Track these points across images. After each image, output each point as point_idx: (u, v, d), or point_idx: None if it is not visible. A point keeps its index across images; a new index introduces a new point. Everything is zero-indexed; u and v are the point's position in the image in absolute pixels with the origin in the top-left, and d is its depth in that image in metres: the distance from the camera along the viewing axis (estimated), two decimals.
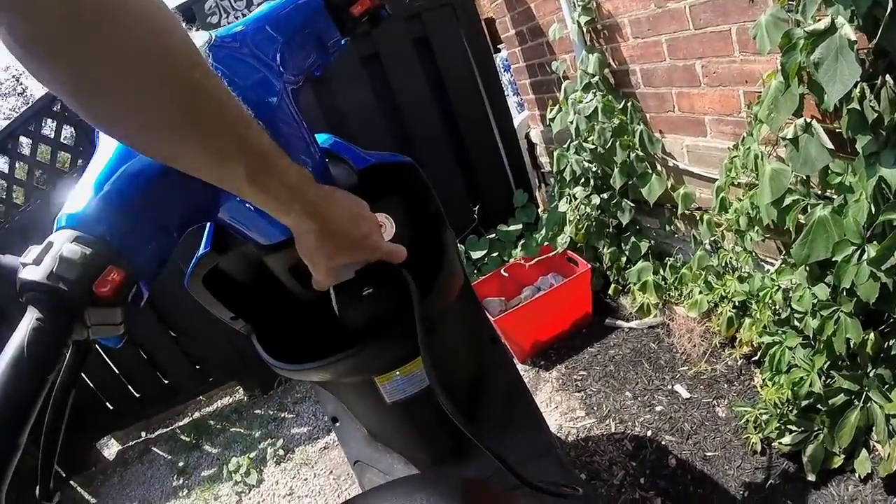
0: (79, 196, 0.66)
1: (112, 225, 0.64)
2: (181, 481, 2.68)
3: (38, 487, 0.62)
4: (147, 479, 2.83)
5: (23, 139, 2.78)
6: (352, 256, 0.73)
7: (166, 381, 3.12)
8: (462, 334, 1.26)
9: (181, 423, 3.18)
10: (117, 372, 3.04)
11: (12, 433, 0.50)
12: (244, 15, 2.62)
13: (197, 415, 3.20)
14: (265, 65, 0.77)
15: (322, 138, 0.99)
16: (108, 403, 3.09)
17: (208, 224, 0.89)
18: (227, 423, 2.95)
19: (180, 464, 2.78)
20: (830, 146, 1.25)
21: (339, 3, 0.88)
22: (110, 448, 3.29)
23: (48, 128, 2.76)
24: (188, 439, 2.95)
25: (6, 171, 2.85)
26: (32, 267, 0.56)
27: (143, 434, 3.23)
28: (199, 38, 0.72)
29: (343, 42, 0.92)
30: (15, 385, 0.51)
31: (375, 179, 0.95)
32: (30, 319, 0.54)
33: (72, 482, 3.00)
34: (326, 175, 0.87)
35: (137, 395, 3.11)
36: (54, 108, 2.67)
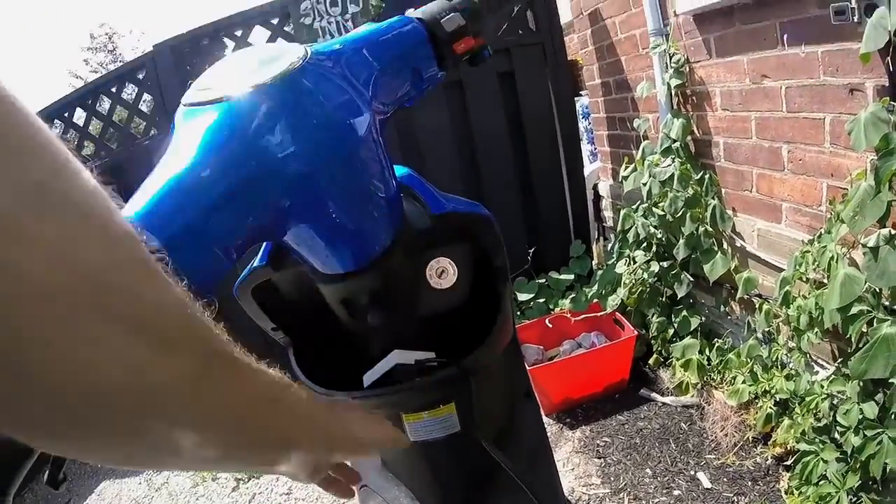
0: (139, 199, 0.60)
1: (169, 238, 0.58)
2: None
3: (46, 473, 0.61)
4: None
5: (104, 97, 2.94)
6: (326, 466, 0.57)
7: None
8: (500, 386, 1.23)
9: None
10: None
11: None
12: (338, 20, 2.69)
13: None
14: (355, 89, 0.72)
15: (400, 171, 0.95)
16: None
17: None
18: None
19: None
20: None
21: (444, 37, 0.85)
22: None
23: (128, 92, 2.90)
24: None
25: (81, 125, 2.99)
26: None
27: None
28: (296, 52, 0.68)
29: (440, 76, 0.89)
30: None
31: (448, 223, 0.91)
32: None
33: None
34: (398, 211, 0.84)
35: None
36: (139, 76, 2.80)
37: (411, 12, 0.86)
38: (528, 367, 2.18)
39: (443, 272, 0.79)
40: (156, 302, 0.28)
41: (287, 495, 2.29)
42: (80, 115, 3.04)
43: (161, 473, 2.58)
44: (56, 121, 2.99)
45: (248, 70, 0.64)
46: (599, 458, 2.08)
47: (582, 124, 3.73)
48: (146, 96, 3.00)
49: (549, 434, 2.23)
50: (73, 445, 0.29)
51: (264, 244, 0.88)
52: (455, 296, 0.86)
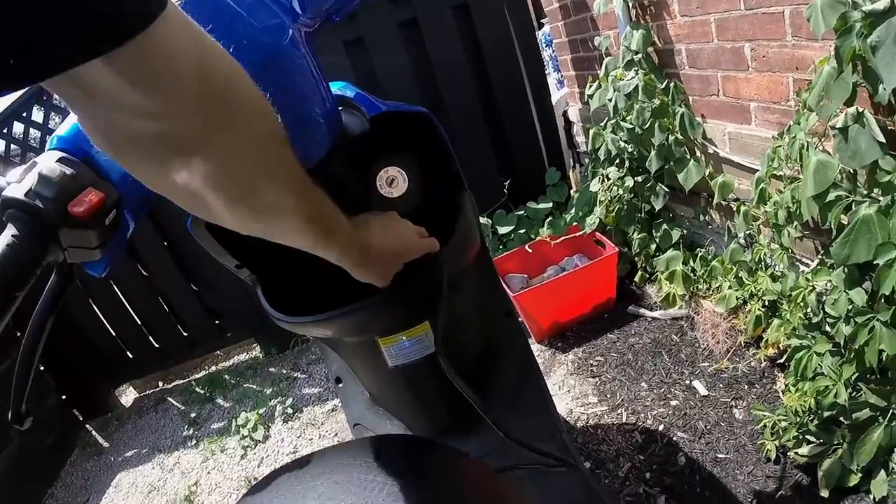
0: (72, 119, 0.66)
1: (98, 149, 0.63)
2: (191, 431, 2.72)
3: (10, 411, 0.61)
4: (159, 427, 2.88)
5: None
6: (399, 264, 0.82)
7: (185, 334, 3.15)
8: (476, 303, 1.22)
9: (197, 376, 3.22)
10: (139, 322, 3.08)
11: None
12: None
13: (213, 369, 3.24)
14: (280, 5, 0.72)
15: (337, 86, 0.95)
16: (128, 352, 3.14)
17: None
18: (242, 379, 2.98)
19: (192, 415, 2.82)
20: (882, 140, 1.16)
21: None
22: (127, 396, 3.35)
23: None
24: (202, 392, 2.99)
25: (41, 121, 2.90)
26: (15, 185, 0.58)
27: (160, 384, 3.29)
28: None
29: None
30: None
31: (390, 131, 0.91)
32: (6, 236, 0.54)
33: (88, 426, 3.07)
34: (337, 122, 0.83)
35: (157, 346, 3.16)
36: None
37: None
38: (513, 295, 2.19)
39: (393, 181, 0.79)
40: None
41: (293, 454, 2.31)
42: (38, 115, 2.93)
43: (171, 454, 2.61)
44: (15, 123, 2.88)
45: None
46: (594, 377, 2.10)
47: (546, 53, 3.65)
48: None
49: (542, 360, 2.26)
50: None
51: None
52: (411, 204, 0.86)
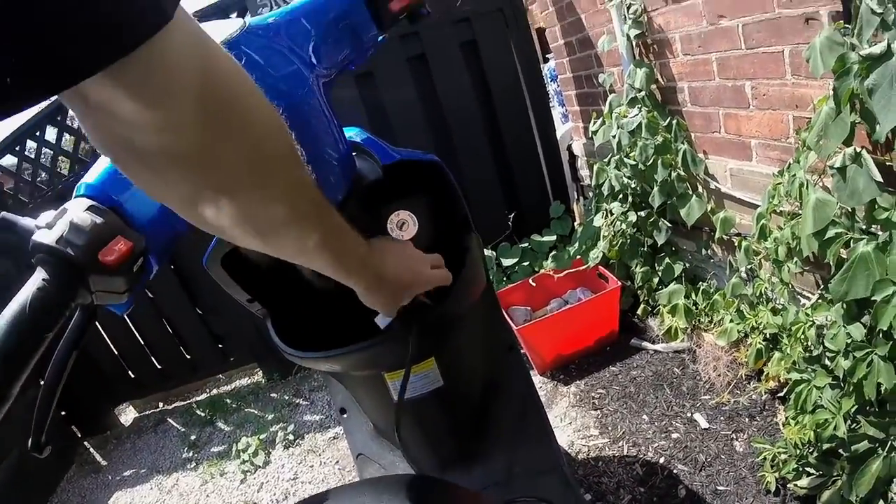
0: (99, 166, 0.68)
1: (125, 197, 0.66)
2: (191, 454, 2.71)
3: (29, 439, 0.63)
4: (159, 448, 2.87)
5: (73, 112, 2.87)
6: (410, 294, 0.83)
7: (188, 357, 3.17)
8: (480, 339, 1.24)
9: (198, 398, 3.22)
10: (142, 342, 3.10)
11: (3, 384, 0.51)
12: None
13: (215, 392, 3.24)
14: (298, 56, 0.76)
15: (351, 131, 0.98)
16: (130, 372, 3.15)
17: None
18: (243, 403, 2.98)
19: (192, 437, 2.81)
20: (879, 179, 1.19)
21: None
22: (127, 414, 3.34)
23: None
24: (203, 414, 2.99)
25: (54, 140, 2.95)
26: (45, 230, 0.60)
27: (161, 405, 3.29)
28: (233, 24, 0.71)
29: (381, 38, 0.89)
30: (12, 339, 0.52)
31: (402, 177, 0.94)
32: (37, 279, 0.57)
33: (86, 443, 3.07)
34: (351, 168, 0.86)
35: (159, 367, 3.17)
36: None
37: None
38: (517, 328, 2.21)
39: (403, 224, 0.82)
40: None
41: (293, 480, 2.30)
42: (51, 133, 3.00)
43: (170, 476, 2.60)
44: (28, 141, 2.95)
45: None
46: (596, 409, 2.11)
47: (551, 87, 3.73)
48: None
49: (544, 392, 2.27)
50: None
51: None
52: (421, 246, 0.88)
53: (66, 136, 2.94)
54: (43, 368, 0.60)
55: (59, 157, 3.04)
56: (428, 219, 0.96)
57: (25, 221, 0.62)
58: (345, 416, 1.37)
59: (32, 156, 2.85)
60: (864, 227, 1.35)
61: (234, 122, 0.45)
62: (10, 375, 0.51)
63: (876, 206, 1.24)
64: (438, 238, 0.99)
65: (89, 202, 0.64)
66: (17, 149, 2.80)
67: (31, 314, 0.53)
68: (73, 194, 0.66)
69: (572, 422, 2.09)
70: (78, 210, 0.62)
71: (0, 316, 0.53)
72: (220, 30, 0.70)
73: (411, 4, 0.88)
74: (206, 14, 2.74)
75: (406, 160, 0.96)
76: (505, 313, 2.14)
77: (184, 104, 0.41)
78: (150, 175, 0.46)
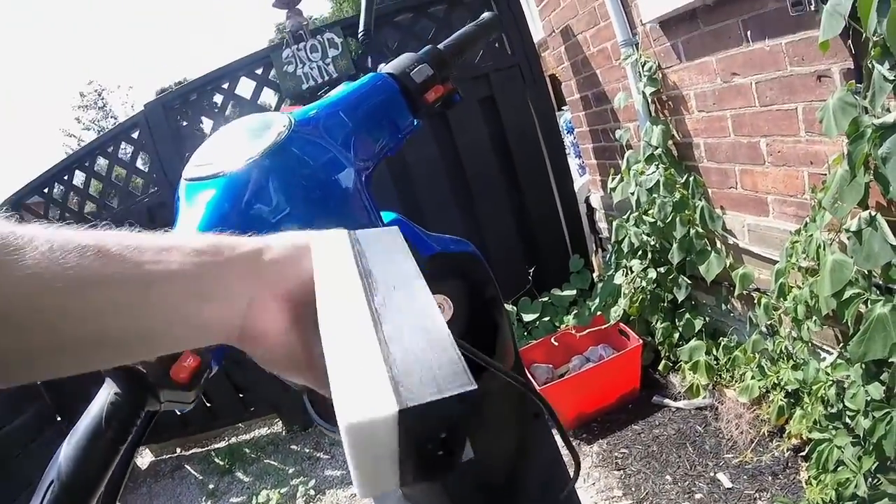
0: None
1: None
2: (209, 503, 2.69)
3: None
4: (175, 494, 2.86)
5: (101, 157, 3.06)
6: None
7: (209, 405, 3.18)
8: (507, 410, 1.24)
9: (217, 446, 3.22)
10: None
11: (83, 500, 0.53)
12: (319, 65, 2.75)
13: (234, 440, 3.24)
14: (338, 149, 0.77)
15: (389, 217, 1.00)
16: None
17: None
18: (263, 454, 2.97)
19: (211, 486, 2.80)
20: (894, 242, 1.18)
21: (414, 89, 0.88)
22: (143, 458, 3.35)
23: (125, 150, 3.05)
24: (222, 463, 2.98)
25: (81, 185, 3.10)
26: None
27: (178, 450, 3.29)
28: (281, 121, 0.73)
29: (416, 124, 0.92)
30: (93, 455, 0.54)
31: (438, 264, 0.95)
32: (107, 392, 0.58)
33: None
34: None
35: (178, 413, 3.17)
36: (133, 135, 2.89)
37: (382, 67, 0.89)
38: (538, 387, 2.19)
39: (440, 308, 0.83)
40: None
41: None
42: (79, 178, 3.13)
43: None
44: (56, 184, 3.08)
45: (239, 142, 0.71)
46: (619, 469, 2.06)
47: (568, 139, 3.78)
48: (142, 154, 3.08)
49: (566, 452, 2.22)
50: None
51: None
52: (454, 329, 0.89)
53: (93, 181, 3.07)
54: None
55: (86, 202, 3.17)
56: (461, 302, 0.98)
57: None
58: None
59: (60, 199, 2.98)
60: (881, 283, 1.34)
61: None
62: (89, 491, 0.53)
63: (892, 268, 1.23)
64: (470, 317, 1.00)
65: None
66: (44, 191, 2.91)
67: (108, 428, 0.56)
68: None
69: (595, 482, 2.05)
70: None
71: (78, 430, 0.55)
72: (267, 125, 0.73)
73: (445, 93, 0.91)
74: (232, 70, 2.85)
75: (446, 253, 0.97)
76: (528, 372, 2.12)
77: None
78: None
